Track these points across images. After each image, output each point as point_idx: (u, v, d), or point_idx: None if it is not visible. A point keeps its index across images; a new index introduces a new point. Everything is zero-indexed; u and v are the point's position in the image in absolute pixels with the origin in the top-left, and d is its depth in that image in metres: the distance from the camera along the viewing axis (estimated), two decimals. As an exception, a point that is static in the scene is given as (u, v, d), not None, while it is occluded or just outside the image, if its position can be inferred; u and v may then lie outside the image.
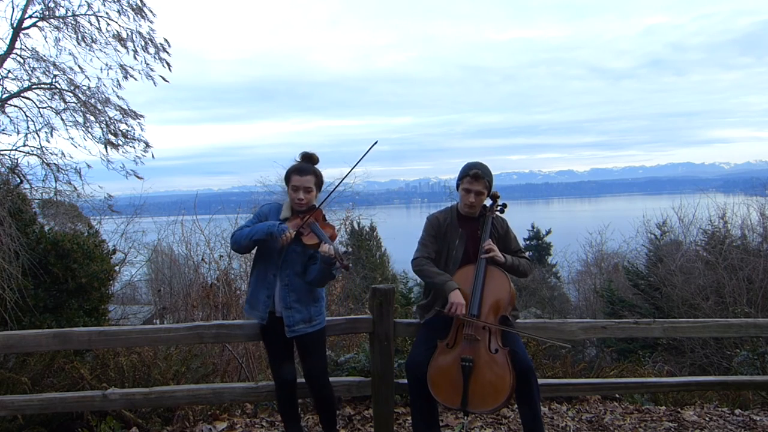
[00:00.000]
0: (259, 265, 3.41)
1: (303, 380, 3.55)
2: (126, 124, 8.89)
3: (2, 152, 7.97)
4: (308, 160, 3.40)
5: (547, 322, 4.07)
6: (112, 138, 8.72)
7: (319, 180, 3.39)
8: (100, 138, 8.68)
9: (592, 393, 4.60)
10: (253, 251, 3.47)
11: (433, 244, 3.56)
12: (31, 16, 8.22)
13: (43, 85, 8.36)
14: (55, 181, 8.44)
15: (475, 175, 3.44)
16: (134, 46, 8.72)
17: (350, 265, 3.21)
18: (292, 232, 3.18)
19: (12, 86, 8.25)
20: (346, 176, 3.81)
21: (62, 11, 8.34)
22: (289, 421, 3.55)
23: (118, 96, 8.79)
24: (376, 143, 3.44)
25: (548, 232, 25.78)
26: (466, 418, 4.08)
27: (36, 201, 8.28)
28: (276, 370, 3.50)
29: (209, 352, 5.56)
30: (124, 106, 8.84)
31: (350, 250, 3.43)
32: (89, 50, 8.49)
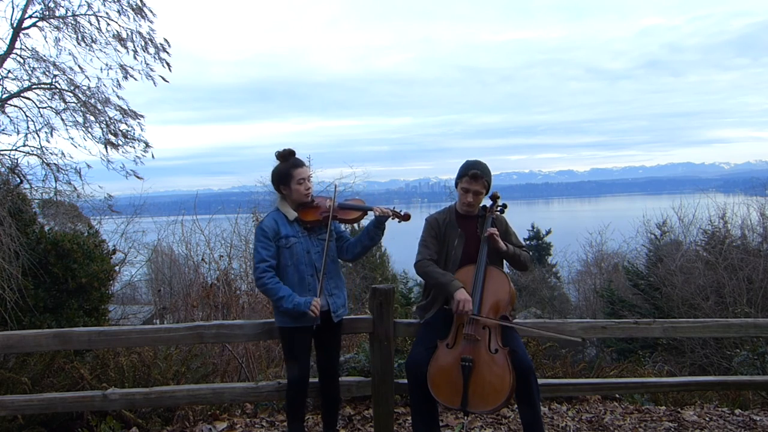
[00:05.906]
0: (289, 274, 3.34)
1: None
2: (126, 124, 8.87)
3: (2, 152, 7.97)
4: (292, 155, 3.47)
5: (547, 322, 4.07)
6: (112, 138, 8.71)
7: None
8: (100, 138, 8.67)
9: (592, 393, 4.60)
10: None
11: (435, 245, 3.57)
12: (31, 16, 8.21)
13: (43, 85, 8.35)
14: (55, 181, 8.43)
15: (473, 175, 3.45)
16: (134, 46, 8.71)
17: (408, 213, 3.39)
18: (318, 301, 3.25)
19: (12, 86, 8.24)
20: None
21: (62, 11, 8.33)
22: (295, 421, 3.55)
23: (118, 96, 8.78)
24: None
25: (548, 232, 25.79)
26: (466, 418, 4.08)
27: (36, 201, 8.27)
28: (300, 368, 3.46)
29: (209, 352, 5.56)
30: (124, 106, 8.82)
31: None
32: (89, 50, 8.47)
